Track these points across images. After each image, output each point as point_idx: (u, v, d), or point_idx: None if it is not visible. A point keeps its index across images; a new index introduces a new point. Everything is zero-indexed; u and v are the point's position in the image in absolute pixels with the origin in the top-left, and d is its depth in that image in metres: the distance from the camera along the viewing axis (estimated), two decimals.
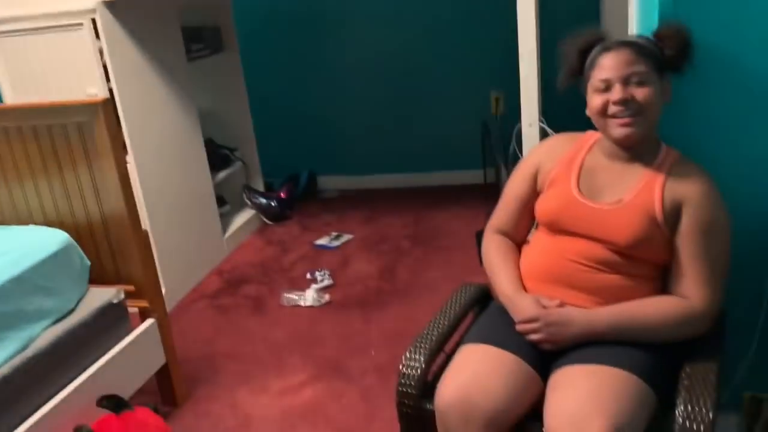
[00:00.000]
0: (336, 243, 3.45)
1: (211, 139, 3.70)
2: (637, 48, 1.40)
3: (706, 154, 1.50)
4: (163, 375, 2.20)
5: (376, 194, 4.18)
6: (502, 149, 3.12)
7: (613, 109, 1.38)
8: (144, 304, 2.12)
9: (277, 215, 3.85)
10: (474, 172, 3.94)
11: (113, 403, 1.79)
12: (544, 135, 2.34)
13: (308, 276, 3.08)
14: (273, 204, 3.83)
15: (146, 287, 2.11)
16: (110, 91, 2.62)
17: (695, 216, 1.37)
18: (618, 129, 1.39)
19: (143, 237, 2.09)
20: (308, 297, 2.83)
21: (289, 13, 4.07)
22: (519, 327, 1.44)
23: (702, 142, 1.54)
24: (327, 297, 2.85)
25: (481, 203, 3.53)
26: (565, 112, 1.46)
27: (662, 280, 1.45)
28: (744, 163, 1.56)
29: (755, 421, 1.74)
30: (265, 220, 3.85)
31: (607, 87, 1.39)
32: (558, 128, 1.72)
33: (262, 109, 4.10)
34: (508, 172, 2.34)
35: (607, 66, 1.39)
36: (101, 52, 2.58)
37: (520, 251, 1.63)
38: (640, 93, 1.37)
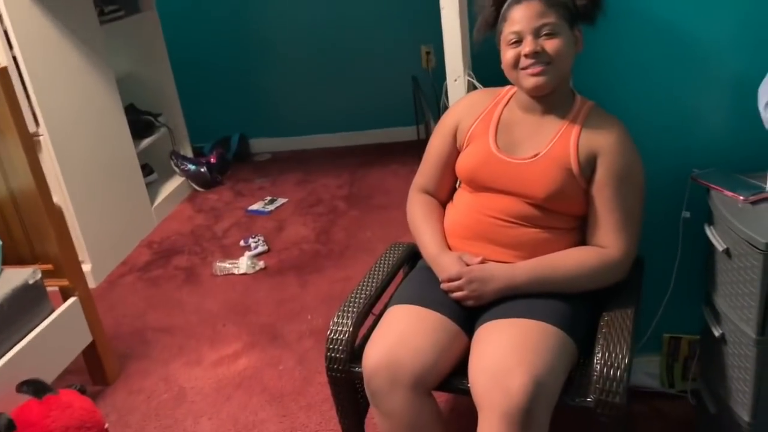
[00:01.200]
0: (270, 207, 3.39)
1: (133, 104, 3.55)
2: None
3: (620, 103, 1.51)
4: (90, 353, 2.13)
5: (310, 155, 4.12)
6: (434, 104, 3.10)
7: (524, 61, 1.38)
8: (64, 282, 2.03)
9: (207, 181, 3.75)
10: (408, 128, 3.91)
11: (34, 388, 1.72)
12: (472, 89, 2.33)
13: (242, 243, 3.02)
14: (203, 170, 3.73)
15: (65, 265, 2.02)
16: (14, 59, 2.46)
17: (609, 165, 1.39)
18: (529, 79, 1.39)
19: (57, 213, 1.99)
20: (242, 264, 2.77)
21: None
22: (443, 286, 1.45)
23: (615, 91, 1.55)
24: (261, 263, 2.80)
25: (416, 159, 3.46)
26: (498, 62, 1.45)
27: (582, 231, 1.47)
28: (656, 111, 1.58)
29: (675, 360, 1.81)
30: (195, 186, 3.74)
31: (518, 40, 1.38)
32: (491, 80, 1.70)
33: (187, 72, 3.95)
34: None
35: (517, 18, 1.38)
36: (0, 18, 2.41)
37: (445, 209, 1.62)
38: (550, 44, 1.36)
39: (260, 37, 4.04)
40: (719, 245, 1.40)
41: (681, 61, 1.52)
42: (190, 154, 3.86)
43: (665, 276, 1.65)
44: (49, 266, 2.01)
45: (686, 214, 1.57)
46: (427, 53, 3.84)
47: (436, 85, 3.63)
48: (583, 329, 1.41)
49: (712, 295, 1.50)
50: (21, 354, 1.84)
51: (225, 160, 4.00)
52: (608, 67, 1.56)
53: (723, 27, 1.48)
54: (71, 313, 2.04)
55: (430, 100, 3.32)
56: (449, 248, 1.53)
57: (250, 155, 4.25)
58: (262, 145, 4.27)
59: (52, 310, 2.00)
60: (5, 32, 2.43)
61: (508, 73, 1.43)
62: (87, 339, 2.10)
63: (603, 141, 1.40)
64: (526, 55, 1.36)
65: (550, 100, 1.44)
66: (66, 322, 2.02)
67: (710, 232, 1.45)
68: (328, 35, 3.98)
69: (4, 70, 1.81)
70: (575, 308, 1.40)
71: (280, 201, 3.46)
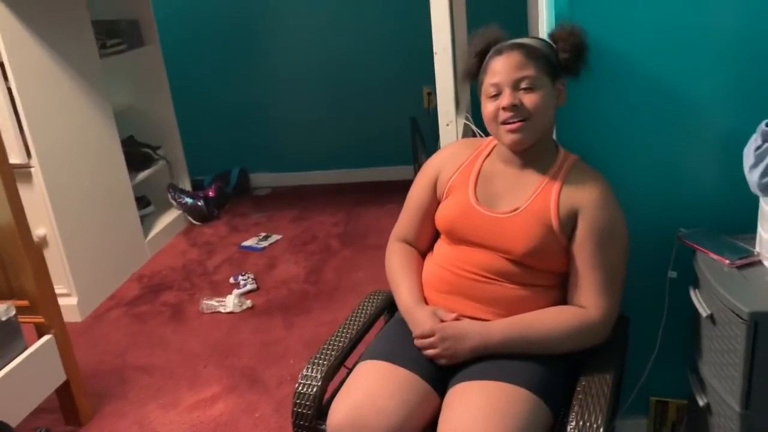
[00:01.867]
0: (263, 244, 3.36)
1: (133, 136, 3.56)
2: (529, 50, 1.36)
3: (605, 159, 1.48)
4: (64, 393, 2.08)
5: (308, 191, 4.10)
6: (433, 144, 3.08)
7: (502, 114, 1.34)
8: (39, 319, 1.99)
9: (204, 215, 3.73)
10: (407, 167, 3.89)
11: None
12: (469, 131, 2.30)
13: (231, 280, 2.98)
14: (200, 204, 3.71)
15: (41, 302, 1.98)
16: (9, 90, 2.46)
17: (590, 222, 1.34)
18: (507, 135, 1.36)
19: (36, 249, 1.96)
20: (229, 303, 2.73)
21: (216, 5, 3.93)
22: (416, 342, 1.39)
23: (599, 147, 1.51)
24: (249, 302, 2.76)
25: None
26: None
27: (563, 289, 1.42)
28: (641, 168, 1.54)
29: (663, 424, 1.74)
30: (191, 220, 3.72)
31: (498, 93, 1.35)
32: None
33: (189, 105, 3.97)
34: None
35: (497, 70, 1.35)
36: None
37: (424, 259, 1.58)
38: (528, 99, 1.33)
39: (264, 73, 4.06)
40: (703, 311, 1.34)
41: (668, 119, 1.48)
42: (188, 187, 3.85)
43: (651, 336, 1.59)
44: (25, 302, 1.97)
45: (672, 275, 1.51)
46: (429, 94, 3.84)
47: (436, 126, 3.61)
48: (560, 393, 1.34)
49: (697, 362, 1.43)
50: None
51: (224, 194, 3.99)
52: (594, 122, 1.52)
53: (711, 86, 1.45)
54: (45, 350, 1.99)
55: (429, 141, 3.30)
56: (426, 301, 1.48)
57: (250, 189, 4.24)
58: (262, 180, 4.26)
59: (26, 347, 1.95)
60: (1, 64, 2.44)
61: (489, 126, 1.40)
62: (61, 378, 2.05)
63: (584, 197, 1.35)
64: (503, 108, 1.33)
65: (532, 154, 1.41)
66: (39, 359, 1.97)
67: (695, 296, 1.40)
68: (331, 72, 3.99)
69: None
70: (552, 370, 1.34)
71: (275, 237, 3.43)
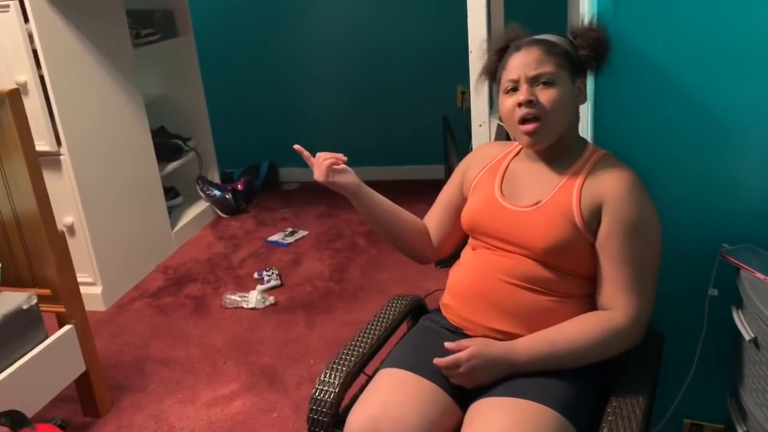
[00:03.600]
0: (289, 239, 3.33)
1: (164, 127, 3.56)
2: (548, 46, 1.31)
3: (645, 166, 1.38)
4: (83, 383, 2.07)
5: None
6: (465, 144, 3.01)
7: (518, 112, 1.30)
8: (60, 309, 1.98)
9: (231, 208, 3.71)
10: (437, 166, 3.82)
11: (12, 419, 1.66)
12: (502, 136, 2.24)
13: (255, 275, 2.95)
14: (228, 196, 3.70)
15: (63, 291, 1.97)
16: (41, 78, 2.46)
17: (615, 216, 1.27)
18: (524, 138, 1.32)
19: (60, 238, 1.95)
20: (251, 299, 2.70)
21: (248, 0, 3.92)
22: (437, 362, 1.30)
23: (639, 155, 1.42)
24: (272, 299, 2.72)
25: None
26: None
27: (593, 300, 1.34)
28: (684, 178, 1.45)
29: None
30: (219, 213, 3.71)
31: (515, 88, 1.31)
32: None
33: (221, 97, 3.96)
34: None
35: (514, 66, 1.31)
36: (30, 37, 2.42)
37: (449, 262, 1.54)
38: (545, 95, 1.28)
39: (296, 66, 4.03)
40: (746, 333, 1.25)
41: (712, 128, 1.39)
42: (217, 179, 3.84)
43: (688, 356, 1.50)
44: (47, 291, 1.97)
45: (713, 292, 1.43)
46: (462, 93, 3.76)
47: (469, 126, 3.55)
48: (587, 414, 1.27)
49: (737, 387, 1.35)
50: (11, 379, 1.78)
51: (253, 187, 3.97)
52: (634, 130, 1.44)
53: (756, 96, 1.35)
54: (65, 340, 1.98)
55: (462, 140, 3.23)
56: (450, 306, 1.43)
57: (279, 183, 4.22)
58: (291, 174, 4.23)
59: (47, 336, 1.95)
60: (35, 51, 2.44)
61: (507, 124, 1.35)
62: (80, 368, 2.04)
63: (608, 189, 1.28)
64: (519, 104, 1.29)
65: (556, 150, 1.36)
66: (59, 349, 1.96)
67: (738, 317, 1.31)
68: (365, 68, 3.94)
69: (16, 92, 1.79)
70: (580, 389, 1.27)
71: (301, 233, 3.40)
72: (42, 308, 1.94)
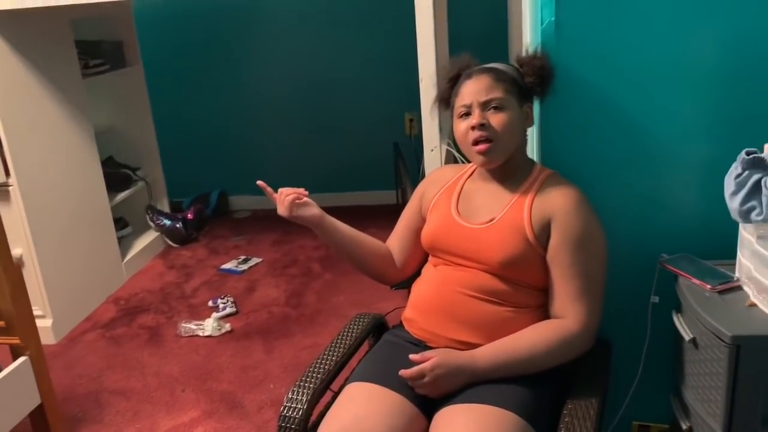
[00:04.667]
0: (243, 267, 3.33)
1: (112, 157, 3.54)
2: (497, 74, 1.42)
3: (588, 184, 1.48)
4: (38, 416, 2.02)
5: None
6: (415, 170, 3.10)
7: (472, 134, 1.40)
8: (15, 340, 1.95)
9: (182, 237, 3.69)
10: (389, 192, 3.91)
11: None
12: (450, 157, 2.33)
13: (210, 303, 2.95)
14: (178, 225, 3.68)
15: (18, 323, 1.94)
16: None
17: (564, 230, 1.37)
18: (477, 157, 1.42)
19: (15, 269, 1.92)
20: (207, 326, 2.69)
21: (198, 29, 3.95)
22: (403, 373, 1.35)
23: (583, 172, 1.52)
24: (228, 326, 2.73)
25: (394, 223, 3.49)
26: None
27: (546, 310, 1.43)
28: (624, 194, 1.57)
29: None
30: (169, 242, 3.68)
31: (468, 113, 1.41)
32: None
33: (170, 127, 3.95)
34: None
35: (466, 92, 1.42)
36: None
37: (405, 284, 1.62)
38: (495, 119, 1.39)
39: (245, 95, 4.07)
40: (686, 335, 1.36)
41: (648, 147, 1.52)
42: (167, 208, 3.82)
43: (634, 361, 1.61)
44: (1, 323, 1.93)
45: (655, 299, 1.54)
46: (410, 120, 3.88)
47: (418, 152, 3.66)
48: (546, 416, 1.35)
49: (680, 386, 1.45)
50: None
51: (203, 216, 3.96)
52: (577, 149, 1.56)
53: (689, 116, 1.49)
54: (20, 372, 1.94)
55: (412, 166, 3.33)
56: (412, 320, 1.49)
57: (230, 212, 4.21)
58: (241, 203, 4.24)
59: (0, 369, 1.91)
60: None
61: (461, 146, 1.46)
62: (35, 401, 2.00)
63: (556, 205, 1.38)
64: (472, 127, 1.39)
65: (506, 170, 1.45)
66: (14, 382, 1.92)
67: (678, 320, 1.42)
68: (314, 97, 4.02)
69: None
70: (538, 393, 1.35)
71: (254, 261, 3.41)
72: None
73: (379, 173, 3.95)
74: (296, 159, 4.14)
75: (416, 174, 2.97)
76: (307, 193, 1.51)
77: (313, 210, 1.51)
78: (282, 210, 1.49)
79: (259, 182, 1.53)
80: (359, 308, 2.82)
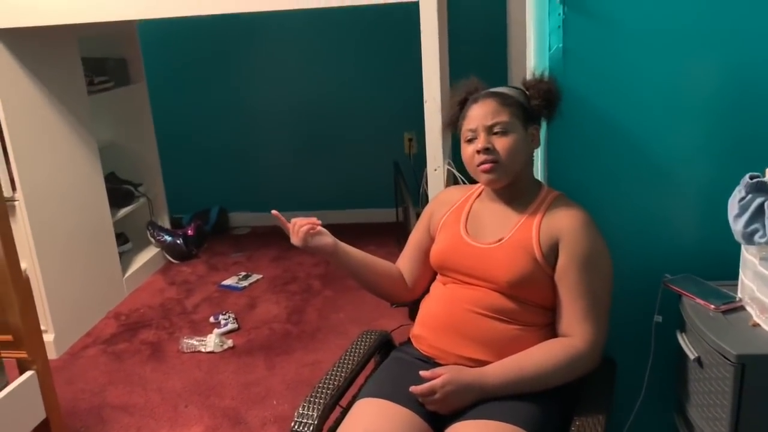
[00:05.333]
0: (243, 284, 3.35)
1: (114, 173, 3.55)
2: (503, 98, 1.46)
3: (593, 205, 1.51)
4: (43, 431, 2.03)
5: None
6: (414, 188, 3.14)
7: (477, 157, 1.44)
8: (23, 354, 1.95)
9: (183, 254, 3.70)
10: (387, 210, 3.94)
11: None
12: (451, 177, 2.37)
13: (212, 320, 2.95)
14: (179, 242, 3.69)
15: (26, 337, 1.94)
16: None
17: (571, 250, 1.40)
18: (483, 176, 1.46)
19: (24, 283, 1.94)
20: (209, 342, 2.71)
21: (200, 48, 3.99)
22: (413, 390, 1.37)
23: (588, 194, 1.56)
24: (230, 342, 2.74)
25: (394, 241, 3.53)
26: None
27: (554, 328, 1.46)
28: (628, 215, 1.61)
29: None
30: (169, 258, 3.70)
31: (474, 137, 1.45)
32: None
33: (172, 144, 3.98)
34: (417, 213, 2.34)
35: (473, 116, 1.46)
36: None
37: (418, 300, 1.63)
38: (500, 143, 1.42)
39: (246, 113, 4.10)
40: (691, 354, 1.39)
41: (651, 169, 1.57)
42: (167, 225, 3.84)
43: (637, 380, 1.64)
44: (9, 337, 1.94)
45: (658, 319, 1.57)
46: (410, 140, 3.92)
47: (416, 171, 3.70)
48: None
49: (684, 404, 1.48)
50: None
51: (203, 233, 3.97)
52: (582, 171, 1.60)
53: (692, 140, 1.54)
54: (27, 386, 1.94)
55: (411, 185, 3.37)
56: (421, 337, 1.52)
57: (229, 228, 4.23)
58: (241, 219, 4.26)
59: (7, 383, 1.91)
60: None
61: (468, 168, 1.49)
62: (41, 415, 2.00)
63: (564, 226, 1.41)
64: (478, 151, 1.43)
65: (513, 191, 1.49)
66: (20, 396, 1.92)
67: (682, 340, 1.45)
68: (314, 115, 4.06)
69: None
70: (545, 410, 1.38)
71: (255, 277, 3.42)
72: (2, 355, 1.91)
73: (379, 191, 3.99)
74: (296, 176, 4.18)
75: (416, 192, 3.01)
76: (320, 222, 1.52)
77: (326, 239, 1.53)
78: (296, 240, 1.51)
79: (273, 212, 1.55)
80: (360, 325, 2.85)
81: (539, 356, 1.39)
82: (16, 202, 2.55)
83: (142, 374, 2.57)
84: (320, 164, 4.14)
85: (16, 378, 1.94)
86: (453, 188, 1.71)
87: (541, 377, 1.38)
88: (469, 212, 1.55)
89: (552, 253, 1.42)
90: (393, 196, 3.78)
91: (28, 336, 1.95)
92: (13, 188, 2.53)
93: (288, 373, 2.52)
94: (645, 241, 1.62)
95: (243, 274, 3.47)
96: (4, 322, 1.94)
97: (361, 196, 4.15)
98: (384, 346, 1.75)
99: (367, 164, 4.06)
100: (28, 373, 1.96)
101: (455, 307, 1.46)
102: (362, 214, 4.14)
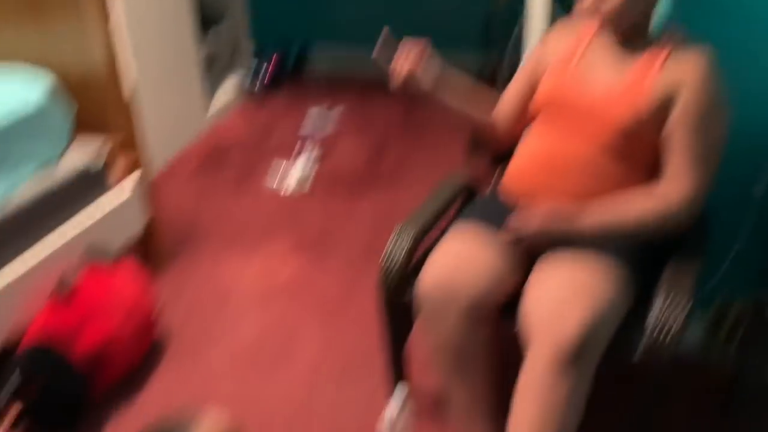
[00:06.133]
0: (323, 123, 3.34)
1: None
2: None
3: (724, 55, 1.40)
4: (145, 236, 2.14)
5: (371, 72, 4.00)
6: (504, 35, 2.99)
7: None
8: (131, 155, 2.06)
9: (264, 90, 3.71)
10: (474, 56, 3.77)
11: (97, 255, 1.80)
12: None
13: (294, 157, 2.99)
14: (260, 77, 3.69)
15: (131, 139, 2.06)
16: None
17: (687, 105, 1.33)
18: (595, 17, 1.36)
19: (129, 87, 2.02)
20: (292, 178, 2.79)
21: None
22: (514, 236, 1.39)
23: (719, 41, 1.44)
24: (311, 178, 2.81)
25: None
26: None
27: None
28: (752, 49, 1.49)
29: (719, 327, 1.77)
30: (250, 93, 3.71)
31: None
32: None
33: None
34: (512, 61, 2.24)
35: None
36: None
37: (511, 149, 1.59)
38: None
39: None
40: None
41: None
42: (251, 56, 3.82)
43: (730, 235, 1.59)
44: (118, 137, 2.03)
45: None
46: None
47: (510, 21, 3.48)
48: (647, 273, 1.36)
49: None
50: (87, 219, 1.90)
51: (284, 67, 3.94)
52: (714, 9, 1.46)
53: None
54: (134, 187, 2.06)
55: (500, 30, 3.20)
56: (513, 185, 1.51)
57: (310, 64, 4.15)
58: (323, 55, 4.17)
59: (115, 183, 2.03)
60: None
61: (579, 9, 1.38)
62: (145, 216, 2.12)
63: (684, 78, 1.33)
64: None
65: (631, 35, 1.39)
66: (128, 196, 2.04)
67: None
68: None
69: None
70: (642, 249, 1.37)
71: (335, 117, 3.40)
72: (112, 155, 2.02)
73: (467, 34, 3.78)
74: (381, 9, 3.97)
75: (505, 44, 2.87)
76: (424, 48, 1.46)
77: (426, 82, 1.49)
78: (396, 85, 1.47)
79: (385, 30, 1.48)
80: (438, 173, 2.82)
81: (637, 205, 1.36)
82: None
83: (228, 204, 2.67)
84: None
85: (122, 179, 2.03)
86: (560, 31, 1.57)
87: (636, 225, 1.36)
88: (580, 57, 1.46)
89: (665, 105, 1.34)
90: (479, 40, 3.60)
91: (134, 138, 2.06)
92: None
93: (372, 208, 2.58)
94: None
95: (324, 112, 3.44)
96: (114, 124, 2.03)
97: (448, 38, 3.90)
98: (468, 192, 1.73)
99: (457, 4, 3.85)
100: (136, 173, 2.06)
101: (549, 160, 1.43)
102: (449, 56, 3.95)
